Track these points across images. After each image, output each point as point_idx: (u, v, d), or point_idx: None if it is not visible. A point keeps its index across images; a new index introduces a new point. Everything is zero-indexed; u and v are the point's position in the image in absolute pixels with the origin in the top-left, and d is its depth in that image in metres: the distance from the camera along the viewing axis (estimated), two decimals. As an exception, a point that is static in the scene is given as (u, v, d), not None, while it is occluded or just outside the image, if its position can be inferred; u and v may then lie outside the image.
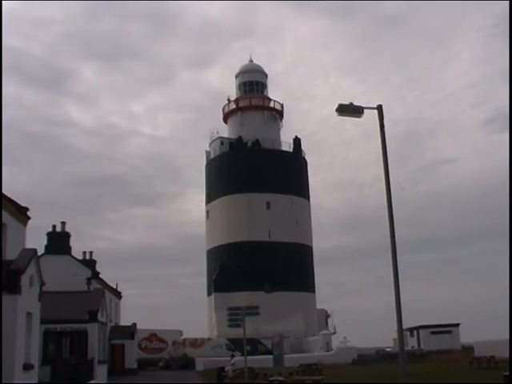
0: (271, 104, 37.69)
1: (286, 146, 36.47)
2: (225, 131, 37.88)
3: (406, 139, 67.86)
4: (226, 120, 38.27)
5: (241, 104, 37.07)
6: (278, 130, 37.83)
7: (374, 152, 64.15)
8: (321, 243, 57.81)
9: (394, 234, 7.41)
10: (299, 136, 37.27)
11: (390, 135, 8.32)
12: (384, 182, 7.68)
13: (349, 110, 7.91)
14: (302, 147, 37.18)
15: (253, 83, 38.02)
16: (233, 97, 38.20)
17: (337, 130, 69.84)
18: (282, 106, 38.14)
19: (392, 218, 7.47)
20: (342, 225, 63.15)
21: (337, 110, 8.04)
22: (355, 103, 8.04)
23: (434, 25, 66.44)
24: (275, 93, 43.01)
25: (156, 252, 62.34)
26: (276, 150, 35.87)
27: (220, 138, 36.67)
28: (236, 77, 39.00)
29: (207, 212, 36.35)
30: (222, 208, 34.68)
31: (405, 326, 7.49)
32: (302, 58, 70.37)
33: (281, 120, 38.16)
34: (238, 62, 43.25)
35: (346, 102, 8.21)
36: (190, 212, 66.87)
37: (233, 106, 37.41)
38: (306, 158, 37.58)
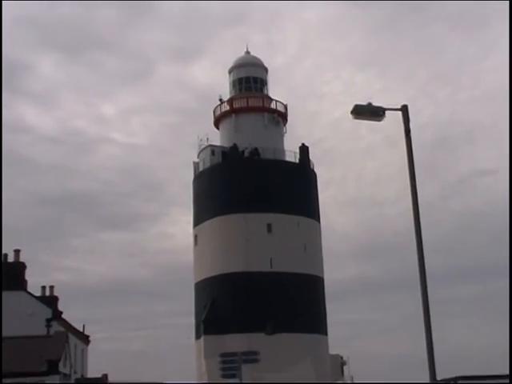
0: (272, 105, 37.92)
1: (291, 155, 36.70)
2: (216, 138, 38.18)
3: (437, 146, 68.45)
4: (217, 124, 38.46)
5: (235, 105, 37.24)
6: (281, 136, 38.05)
7: (397, 163, 64.41)
8: (334, 273, 59.36)
9: (423, 261, 7.33)
10: (306, 143, 37.52)
11: (416, 142, 8.35)
12: (410, 198, 7.62)
13: (367, 112, 7.90)
14: (310, 157, 37.42)
15: (250, 80, 38.25)
16: (226, 96, 38.42)
17: (351, 136, 70.90)
18: (285, 107, 38.38)
19: (421, 242, 7.42)
20: (360, 251, 64.02)
21: (352, 112, 8.03)
22: (374, 103, 8.05)
23: (469, 7, 67.52)
24: (277, 91, 43.80)
25: (132, 286, 63.41)
26: (279, 161, 36.03)
27: (210, 146, 36.82)
28: (229, 72, 39.25)
29: (195, 236, 36.28)
30: (213, 231, 34.67)
31: (440, 377, 7.40)
32: (309, 49, 72.14)
33: (284, 124, 38.40)
34: (232, 54, 43.57)
35: (363, 103, 8.23)
36: (173, 237, 67.78)
37: (226, 107, 37.61)
38: (315, 169, 37.83)
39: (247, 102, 37.12)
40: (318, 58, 72.66)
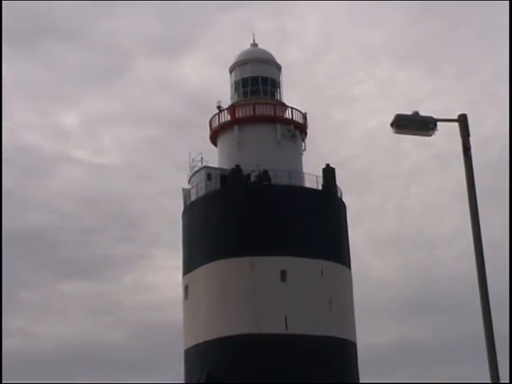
0: (287, 114, 38.29)
1: (312, 180, 36.99)
2: (213, 158, 38.52)
3: (505, 166, 68.06)
4: (214, 140, 38.92)
5: (238, 114, 37.69)
6: (299, 155, 38.40)
7: (452, 188, 64.12)
8: (370, 337, 56.81)
9: (490, 320, 7.19)
10: (332, 164, 37.82)
11: (479, 160, 8.36)
12: (471, 236, 7.51)
13: (412, 125, 7.92)
14: (337, 182, 37.73)
15: (257, 81, 38.82)
16: (225, 103, 38.88)
17: (392, 155, 71.07)
18: (304, 116, 38.86)
19: (486, 294, 7.29)
20: (403, 306, 63.53)
21: (393, 124, 8.06)
22: (422, 111, 8.06)
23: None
24: (293, 95, 44.46)
25: (101, 353, 61.32)
26: (296, 188, 36.26)
27: (206, 168, 37.18)
28: (230, 71, 39.79)
29: (186, 287, 36.33)
30: (209, 281, 34.70)
31: None
32: (334, 40, 72.50)
33: (303, 139, 38.86)
34: (233, 47, 45.35)
35: (407, 112, 8.25)
36: (156, 287, 67.95)
37: (226, 117, 38.14)
38: (344, 198, 38.15)
39: (254, 109, 37.58)
40: (345, 52, 73.40)
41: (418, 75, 72.78)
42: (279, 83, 39.79)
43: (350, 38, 73.83)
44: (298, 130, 38.09)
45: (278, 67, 39.95)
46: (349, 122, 71.03)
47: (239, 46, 40.80)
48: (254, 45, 40.36)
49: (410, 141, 62.99)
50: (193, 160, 37.80)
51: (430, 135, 8.45)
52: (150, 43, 72.75)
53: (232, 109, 38.00)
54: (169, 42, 71.56)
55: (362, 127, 73.78)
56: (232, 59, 39.88)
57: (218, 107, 38.26)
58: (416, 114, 8.45)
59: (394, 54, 72.80)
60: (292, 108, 38.44)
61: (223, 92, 39.38)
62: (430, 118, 8.23)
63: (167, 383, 34.29)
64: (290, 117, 38.13)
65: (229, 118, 37.88)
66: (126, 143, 72.73)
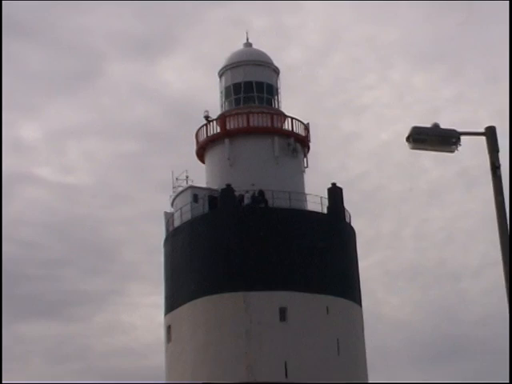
0: (287, 125, 38.69)
1: (316, 202, 37.11)
2: (200, 176, 38.74)
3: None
4: (202, 155, 39.18)
5: (230, 125, 37.99)
6: (300, 172, 38.71)
7: (479, 211, 64.93)
8: None
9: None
10: (339, 183, 38.06)
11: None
12: (502, 267, 7.49)
13: (431, 139, 7.95)
14: (345, 204, 37.95)
15: (252, 86, 39.15)
16: (215, 112, 39.24)
17: (408, 172, 71.77)
18: (306, 127, 39.18)
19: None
20: (423, 351, 62.85)
21: (409, 137, 8.08)
22: (443, 122, 8.13)
23: None
24: (293, 103, 44.47)
25: None
26: (297, 211, 36.41)
27: (192, 188, 37.32)
28: (220, 75, 40.15)
29: (168, 328, 36.28)
30: (196, 321, 34.66)
31: None
32: (341, 38, 73.56)
33: (305, 155, 39.16)
34: (223, 47, 45.59)
35: (426, 123, 8.34)
36: (133, 329, 67.80)
37: (215, 129, 38.47)
38: (353, 223, 38.28)
39: (248, 120, 37.81)
40: (354, 52, 73.60)
41: (438, 79, 73.78)
42: (277, 89, 40.03)
43: (358, 35, 74.28)
44: (300, 143, 38.36)
45: (276, 71, 40.22)
46: (358, 134, 71.47)
47: (230, 46, 41.31)
48: (248, 44, 40.67)
49: (429, 156, 63.41)
50: (176, 179, 37.92)
51: (452, 151, 8.50)
52: (126, 43, 73.95)
53: (222, 119, 38.24)
54: (147, 42, 72.04)
55: (374, 140, 74.49)
56: (222, 61, 40.11)
57: (206, 117, 38.49)
58: (436, 126, 8.52)
59: (411, 54, 73.31)
60: (292, 118, 38.72)
61: (211, 100, 39.74)
62: (453, 131, 8.30)
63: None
64: (290, 128, 38.38)
65: (218, 129, 38.10)
66: (98, 159, 73.09)
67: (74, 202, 70.38)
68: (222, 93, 39.92)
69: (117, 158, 70.26)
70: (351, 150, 68.48)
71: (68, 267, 68.30)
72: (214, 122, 38.44)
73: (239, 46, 40.66)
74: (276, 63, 40.38)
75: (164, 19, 71.66)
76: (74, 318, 67.22)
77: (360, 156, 69.29)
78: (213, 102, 39.66)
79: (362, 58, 74.57)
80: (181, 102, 65.94)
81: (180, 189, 37.62)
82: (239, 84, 39.08)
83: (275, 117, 38.49)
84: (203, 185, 37.88)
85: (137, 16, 71.46)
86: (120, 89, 74.27)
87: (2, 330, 41.52)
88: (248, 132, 37.59)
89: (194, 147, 39.13)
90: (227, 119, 38.09)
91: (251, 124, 37.71)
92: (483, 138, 8.36)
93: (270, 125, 37.97)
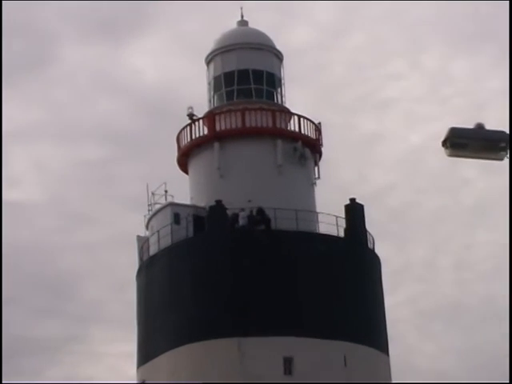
0: (292, 124, 39.05)
1: (329, 222, 37.30)
2: (183, 190, 39.05)
3: None
4: (184, 163, 39.57)
5: (220, 125, 38.24)
6: (310, 184, 39.02)
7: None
8: None
9: None
10: (358, 199, 38.28)
11: None
12: None
13: (474, 143, 7.92)
14: (368, 226, 38.15)
15: (248, 75, 39.48)
16: (201, 108, 39.60)
17: (445, 185, 71.58)
18: (318, 128, 39.57)
19: None
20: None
21: (445, 142, 8.06)
22: (488, 122, 8.07)
23: None
24: (299, 95, 45.05)
25: None
26: (306, 235, 36.62)
27: (172, 205, 37.50)
28: (208, 61, 40.52)
29: (141, 386, 36.36)
30: (178, 374, 34.60)
31: None
32: (359, 14, 73.63)
33: (316, 162, 39.53)
34: (211, 26, 45.96)
35: (467, 123, 8.32)
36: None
37: (202, 130, 38.79)
38: (377, 249, 38.55)
39: (243, 119, 38.10)
40: (376, 32, 74.42)
41: (483, 66, 74.08)
42: (280, 80, 40.30)
43: (382, 10, 74.68)
44: (309, 148, 38.53)
45: (279, 56, 40.46)
46: (382, 136, 72.48)
47: (220, 25, 42.51)
48: (243, 23, 40.95)
49: (472, 164, 62.92)
50: (152, 194, 38.17)
51: (501, 158, 8.46)
52: (84, 20, 73.34)
53: (210, 118, 38.50)
54: (112, 19, 72.52)
55: (402, 143, 74.91)
56: (209, 44, 40.29)
57: (190, 116, 38.74)
58: (480, 127, 8.50)
59: (449, 34, 74.03)
60: (300, 116, 38.96)
61: (196, 93, 39.97)
62: (502, 133, 8.25)
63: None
64: (297, 129, 38.69)
65: (206, 131, 38.38)
66: (51, 169, 73.47)
67: (20, 223, 70.10)
68: (209, 84, 40.13)
69: (75, 168, 70.78)
70: (373, 156, 68.92)
71: (13, 307, 67.95)
72: (200, 121, 38.67)
73: (231, 24, 40.99)
74: (278, 46, 40.57)
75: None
76: (21, 371, 66.90)
77: (385, 164, 70.05)
78: (198, 95, 39.94)
79: (386, 39, 75.07)
80: (156, 96, 66.73)
81: (157, 206, 37.78)
82: (232, 73, 39.30)
83: (278, 114, 38.75)
84: (186, 201, 38.03)
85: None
86: (78, 79, 74.42)
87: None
88: (243, 134, 37.84)
89: (175, 154, 39.31)
90: (217, 118, 38.27)
91: (247, 124, 37.94)
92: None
93: (271, 125, 38.14)
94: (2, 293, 55.10)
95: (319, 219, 37.47)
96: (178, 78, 66.35)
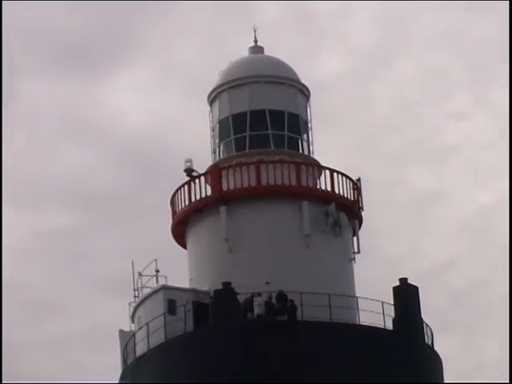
0: (323, 183, 39.40)
1: (373, 310, 37.19)
2: (180, 269, 39.47)
3: None
4: (181, 234, 39.98)
5: (228, 184, 38.61)
6: (348, 260, 39.31)
7: None
8: None
9: None
10: (413, 278, 38.29)
11: None
12: None
13: None
14: (424, 314, 38.03)
15: (264, 118, 40.10)
16: (202, 162, 40.27)
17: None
18: (356, 185, 39.91)
19: None
20: None
21: None
22: None
23: None
24: (328, 141, 45.11)
25: None
26: (342, 327, 36.50)
27: (166, 289, 37.63)
28: (211, 100, 41.33)
29: None
30: None
31: None
32: (406, 34, 76.19)
33: (355, 231, 39.86)
34: (214, 52, 47.12)
35: None
36: None
37: (203, 189, 39.12)
38: (437, 346, 38.36)
39: (258, 175, 38.44)
40: (429, 57, 75.73)
41: None
42: (307, 122, 40.98)
43: (435, 32, 76.12)
44: (346, 212, 38.76)
45: (305, 92, 41.13)
46: (441, 195, 73.39)
47: (227, 52, 43.09)
48: (257, 49, 41.88)
49: None
50: (140, 274, 38.52)
51: None
52: (50, 50, 75.79)
53: (215, 174, 38.86)
54: (86, 46, 74.05)
55: (467, 204, 75.12)
56: (212, 78, 41.04)
57: (188, 171, 39.26)
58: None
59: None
60: (333, 170, 39.29)
61: (196, 141, 40.64)
62: None
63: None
64: (330, 187, 38.99)
65: (209, 191, 38.67)
66: (5, 243, 72.18)
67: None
68: (213, 130, 40.78)
69: (35, 239, 71.99)
70: (430, 221, 69.03)
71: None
72: (202, 178, 39.06)
73: (242, 51, 41.85)
74: (304, 79, 41.23)
75: (113, 12, 73.54)
76: None
77: (445, 232, 70.09)
78: (198, 144, 40.38)
79: (443, 67, 76.27)
80: (143, 146, 68.15)
81: (146, 291, 37.99)
82: (243, 115, 39.89)
83: (304, 169, 39.05)
84: (184, 284, 38.30)
85: (70, 9, 73.00)
86: (40, 122, 76.28)
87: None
88: (259, 195, 38.21)
89: (169, 221, 39.65)
90: (224, 174, 38.63)
91: (264, 181, 38.28)
92: None
93: (295, 182, 38.42)
94: None
95: (360, 306, 37.45)
96: (171, 122, 67.03)
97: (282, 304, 36.09)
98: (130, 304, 38.64)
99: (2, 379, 46.49)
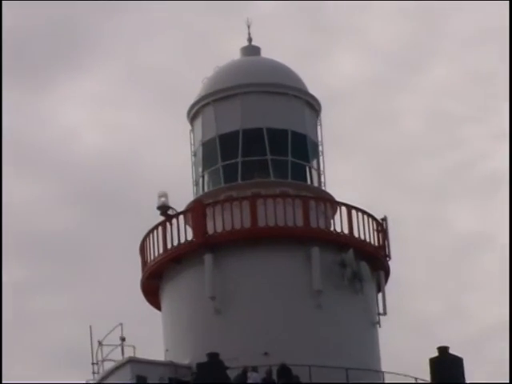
0: (339, 223, 38.93)
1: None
2: (151, 336, 39.96)
3: None
4: (154, 291, 39.66)
5: (213, 226, 38.27)
6: (370, 324, 38.98)
7: None
8: None
9: None
10: (452, 348, 38.09)
11: None
12: None
13: None
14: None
15: (262, 138, 39.95)
16: (180, 196, 40.00)
17: None
18: (381, 228, 39.53)
19: None
20: None
21: None
22: None
23: None
24: (345, 168, 43.96)
25: None
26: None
27: (133, 362, 37.05)
28: (192, 116, 41.32)
29: None
30: None
31: None
32: (439, 32, 76.35)
33: (380, 286, 39.57)
34: (194, 52, 45.69)
35: None
36: None
37: (183, 233, 38.65)
38: None
39: (253, 213, 38.02)
40: (468, 60, 77.05)
41: None
42: (317, 145, 40.75)
43: (474, 29, 76.65)
44: (368, 261, 38.25)
45: (314, 105, 40.98)
46: (489, 238, 72.95)
47: (212, 54, 43.23)
48: (251, 50, 41.83)
49: None
50: (99, 344, 38.04)
51: None
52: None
53: (197, 212, 38.41)
54: (22, 49, 74.88)
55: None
56: (193, 88, 41.31)
57: (162, 209, 38.81)
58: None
59: None
60: (351, 207, 38.81)
61: (172, 170, 39.97)
62: None
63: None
64: (347, 229, 38.58)
65: (190, 235, 38.36)
66: None
67: None
68: (195, 155, 40.78)
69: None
70: (473, 272, 68.25)
71: None
72: (181, 217, 38.71)
73: (233, 52, 41.74)
74: (312, 89, 41.10)
75: (62, 5, 72.62)
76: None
77: (492, 286, 69.40)
78: (176, 173, 40.34)
79: (488, 71, 75.76)
80: (102, 175, 67.96)
81: (108, 365, 37.68)
82: (234, 135, 39.80)
83: (313, 205, 38.57)
84: (158, 357, 38.20)
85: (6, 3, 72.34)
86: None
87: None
88: (255, 240, 37.71)
89: (138, 274, 39.49)
90: (209, 212, 38.27)
91: (261, 222, 37.93)
92: None
93: (301, 223, 38.04)
94: None
95: (385, 380, 37.52)
96: (140, 145, 67.17)
97: (284, 381, 35.93)
98: (87, 382, 38.19)
99: (2, 379, 48.40)
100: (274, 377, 35.71)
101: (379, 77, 68.52)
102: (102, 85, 72.57)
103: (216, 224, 37.91)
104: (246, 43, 41.47)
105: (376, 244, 38.88)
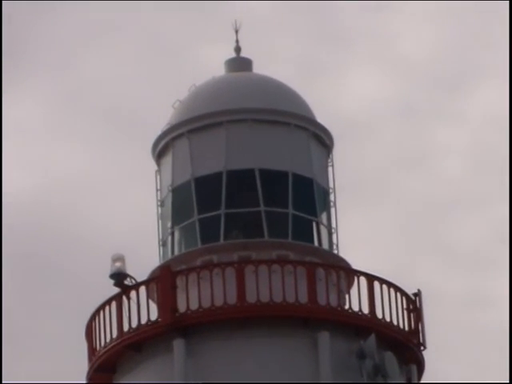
0: (357, 299, 39.26)
1: None
2: None
3: None
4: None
5: (186, 302, 38.57)
6: None
7: None
8: None
9: None
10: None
11: None
12: None
13: None
14: None
15: (254, 182, 40.35)
16: (141, 261, 40.90)
17: None
18: (413, 305, 39.99)
19: None
20: None
21: None
22: None
23: None
24: (359, 226, 44.58)
25: None
26: None
27: None
28: (159, 152, 42.07)
29: None
30: None
31: None
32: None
33: (420, 375, 39.99)
34: (165, 64, 46.59)
35: None
36: None
37: (145, 310, 39.05)
38: None
39: (240, 285, 38.31)
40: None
41: None
42: (327, 192, 41.44)
43: None
44: (396, 353, 38.68)
45: (323, 138, 41.62)
46: None
47: (186, 68, 43.77)
48: (240, 63, 42.71)
49: None
50: None
51: None
52: None
53: (165, 282, 38.69)
54: None
55: None
56: (162, 114, 42.27)
57: (118, 277, 39.04)
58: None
59: None
60: (373, 278, 39.09)
61: (130, 224, 40.02)
62: None
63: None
64: (367, 309, 38.85)
65: (155, 313, 38.70)
66: None
67: None
68: (163, 205, 41.35)
69: None
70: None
71: None
72: (143, 289, 39.06)
73: (215, 66, 42.79)
74: (321, 116, 41.95)
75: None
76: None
77: None
78: (135, 229, 40.24)
79: None
80: (36, 229, 68.28)
81: None
82: (216, 178, 40.28)
83: (322, 275, 39.02)
84: None
85: None
86: None
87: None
88: (242, 321, 38.10)
89: (85, 364, 40.12)
90: (180, 283, 38.67)
91: (250, 298, 38.11)
92: None
93: (305, 299, 38.34)
94: None
95: None
96: (83, 191, 67.39)
97: None
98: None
99: (2, 379, 51.65)
100: None
101: (409, 101, 68.99)
102: (30, 108, 73.07)
103: (190, 299, 38.05)
104: (232, 54, 42.08)
105: (406, 328, 39.14)
